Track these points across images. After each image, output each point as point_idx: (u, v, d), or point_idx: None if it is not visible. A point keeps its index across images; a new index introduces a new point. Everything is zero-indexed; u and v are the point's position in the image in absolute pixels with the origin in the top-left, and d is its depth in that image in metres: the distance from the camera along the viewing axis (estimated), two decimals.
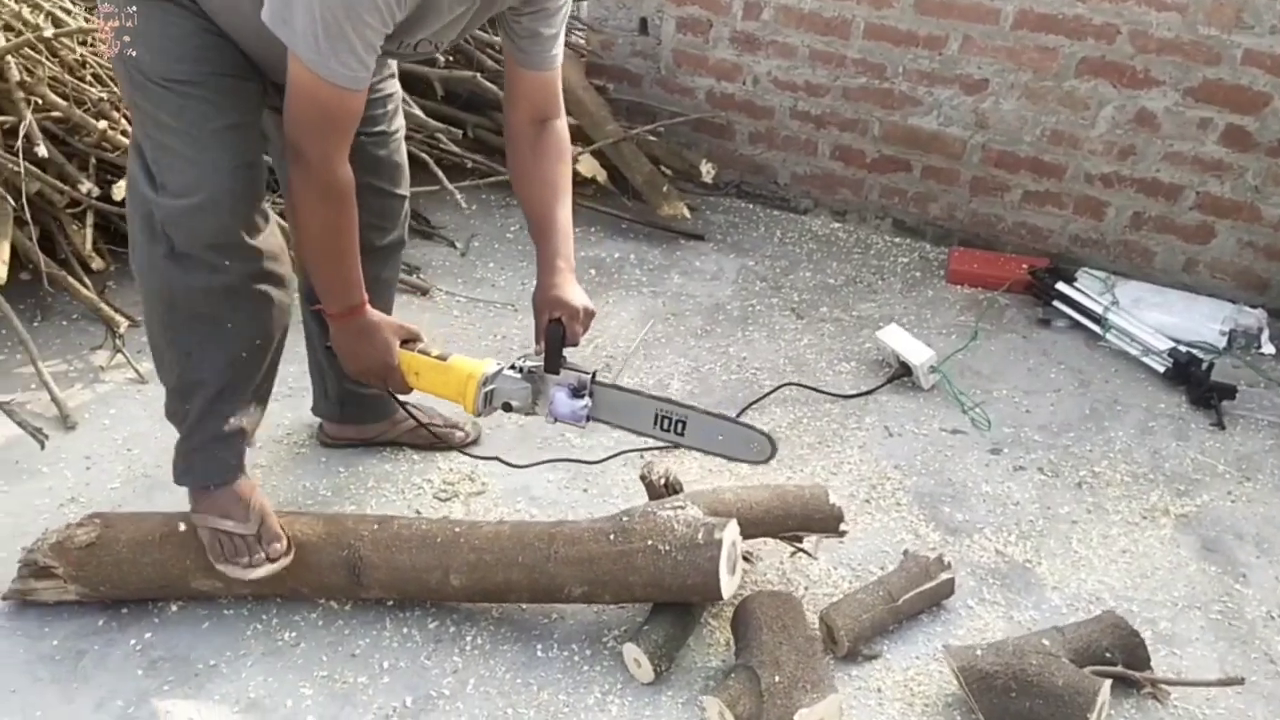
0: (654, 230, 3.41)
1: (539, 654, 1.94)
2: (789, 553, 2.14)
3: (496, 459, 2.25)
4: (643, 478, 2.04)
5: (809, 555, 2.14)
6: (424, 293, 3.02)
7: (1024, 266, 3.23)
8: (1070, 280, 3.13)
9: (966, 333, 3.00)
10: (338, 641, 1.94)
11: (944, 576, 2.06)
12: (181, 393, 1.89)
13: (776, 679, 1.75)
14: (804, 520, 2.05)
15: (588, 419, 1.88)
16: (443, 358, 1.93)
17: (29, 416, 2.40)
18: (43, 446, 2.29)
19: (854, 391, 2.72)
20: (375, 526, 1.95)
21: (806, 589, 2.11)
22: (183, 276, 1.77)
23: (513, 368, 1.91)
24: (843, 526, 2.07)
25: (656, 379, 2.72)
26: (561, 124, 1.96)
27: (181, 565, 1.92)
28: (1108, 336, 2.98)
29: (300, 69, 1.61)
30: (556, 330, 1.85)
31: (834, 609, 1.96)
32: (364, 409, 2.35)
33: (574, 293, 1.87)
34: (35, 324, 2.75)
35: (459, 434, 2.42)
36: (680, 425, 1.84)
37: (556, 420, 1.89)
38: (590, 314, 1.89)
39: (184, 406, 1.89)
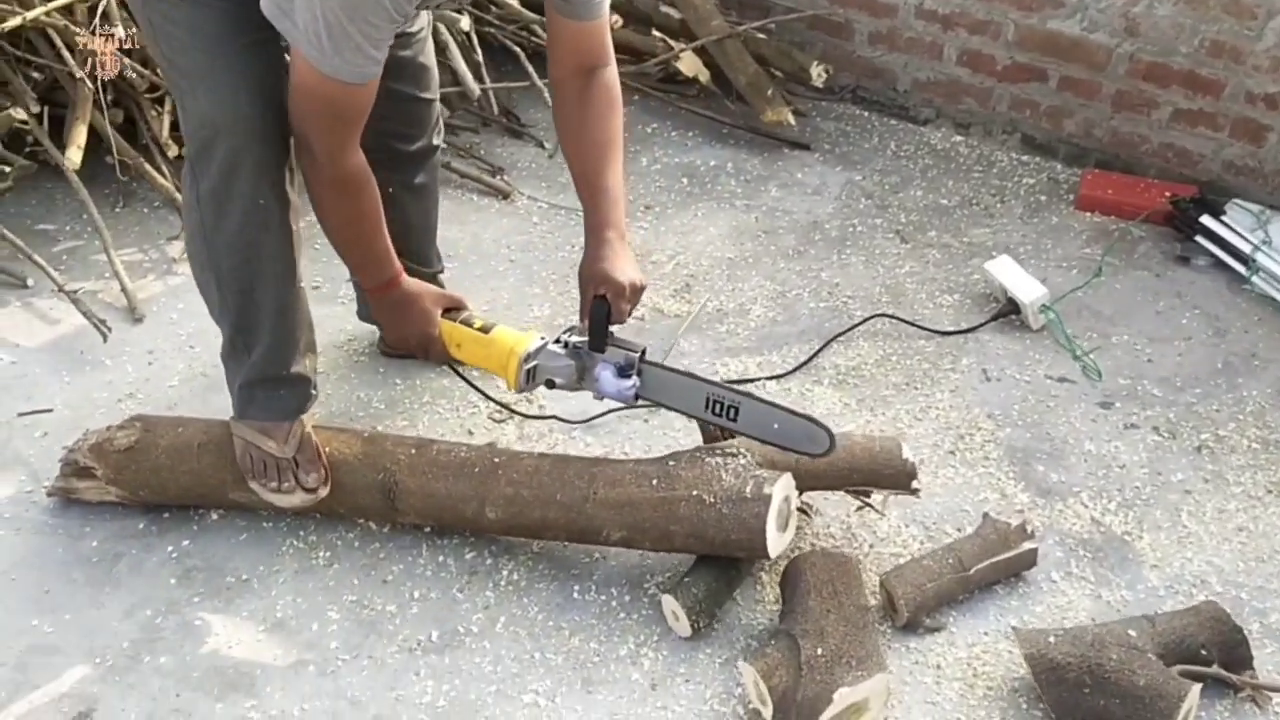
0: (756, 137, 3.18)
1: (575, 595, 1.84)
2: (855, 506, 1.98)
3: (555, 418, 2.15)
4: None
5: (876, 511, 1.97)
6: (505, 196, 2.88)
7: (1166, 195, 2.90)
8: (1218, 213, 2.79)
9: (1090, 267, 2.71)
10: (371, 565, 1.88)
11: (1025, 547, 1.87)
12: (242, 332, 1.82)
13: (819, 651, 1.61)
14: (871, 475, 1.88)
15: (636, 397, 1.76)
16: (485, 329, 1.83)
17: (99, 306, 2.40)
18: (105, 339, 2.28)
19: (953, 328, 2.49)
20: (413, 451, 1.86)
21: (871, 547, 1.94)
22: (216, 216, 1.69)
23: (557, 341, 1.80)
24: (915, 484, 1.89)
25: (738, 303, 2.55)
26: (611, 72, 1.78)
27: (219, 476, 1.87)
28: (1254, 279, 2.65)
29: (303, 63, 1.50)
30: (601, 308, 1.72)
31: (896, 574, 1.80)
32: None
33: (621, 267, 1.73)
34: (116, 210, 2.73)
35: None
36: (733, 411, 1.71)
37: (604, 398, 1.79)
38: (638, 289, 1.75)
39: (244, 346, 1.82)
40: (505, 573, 1.87)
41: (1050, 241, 2.82)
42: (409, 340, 1.89)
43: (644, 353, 1.76)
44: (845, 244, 2.78)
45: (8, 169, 2.58)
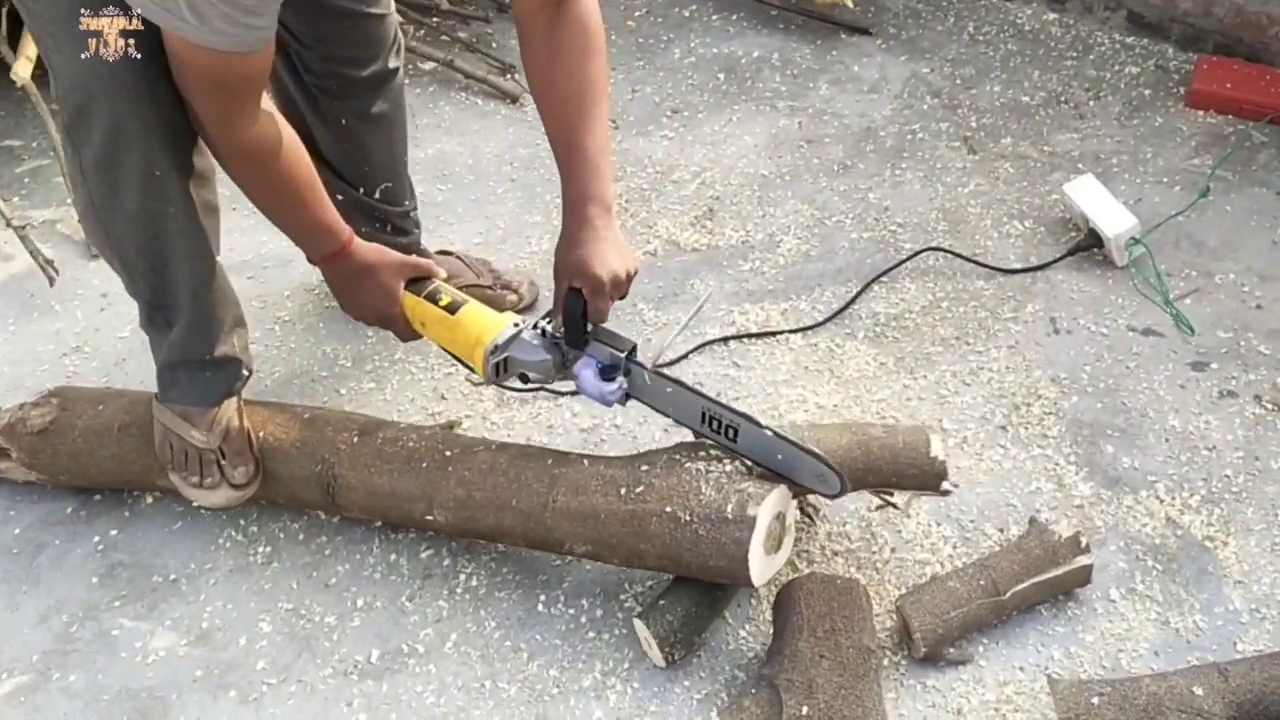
0: (808, 21, 2.75)
1: (539, 608, 1.60)
2: (874, 504, 1.68)
3: (541, 388, 1.80)
4: None
5: (899, 510, 1.67)
6: (514, 100, 2.54)
7: None
8: None
9: (1196, 183, 2.28)
10: (315, 564, 1.66)
11: (1077, 563, 1.55)
12: (160, 309, 1.58)
13: (804, 710, 1.34)
14: (893, 476, 1.57)
15: (626, 397, 1.49)
16: (452, 308, 1.55)
17: (56, 239, 2.20)
18: (52, 284, 2.06)
19: (1019, 265, 2.11)
20: (356, 439, 1.62)
21: (894, 551, 1.65)
22: (108, 192, 1.42)
23: (534, 327, 1.52)
24: (946, 484, 1.58)
25: (767, 233, 2.20)
26: (587, 3, 1.43)
27: (144, 462, 1.66)
28: None
29: (168, 29, 1.21)
30: (576, 303, 1.43)
31: (914, 600, 1.51)
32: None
33: (602, 255, 1.41)
34: None
35: (510, 297, 2.02)
36: (732, 431, 1.44)
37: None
38: (622, 282, 1.44)
39: (165, 321, 1.59)
40: (463, 577, 1.64)
41: (1150, 149, 2.38)
42: (367, 318, 1.63)
43: (633, 350, 1.47)
44: (901, 156, 2.38)
45: None
